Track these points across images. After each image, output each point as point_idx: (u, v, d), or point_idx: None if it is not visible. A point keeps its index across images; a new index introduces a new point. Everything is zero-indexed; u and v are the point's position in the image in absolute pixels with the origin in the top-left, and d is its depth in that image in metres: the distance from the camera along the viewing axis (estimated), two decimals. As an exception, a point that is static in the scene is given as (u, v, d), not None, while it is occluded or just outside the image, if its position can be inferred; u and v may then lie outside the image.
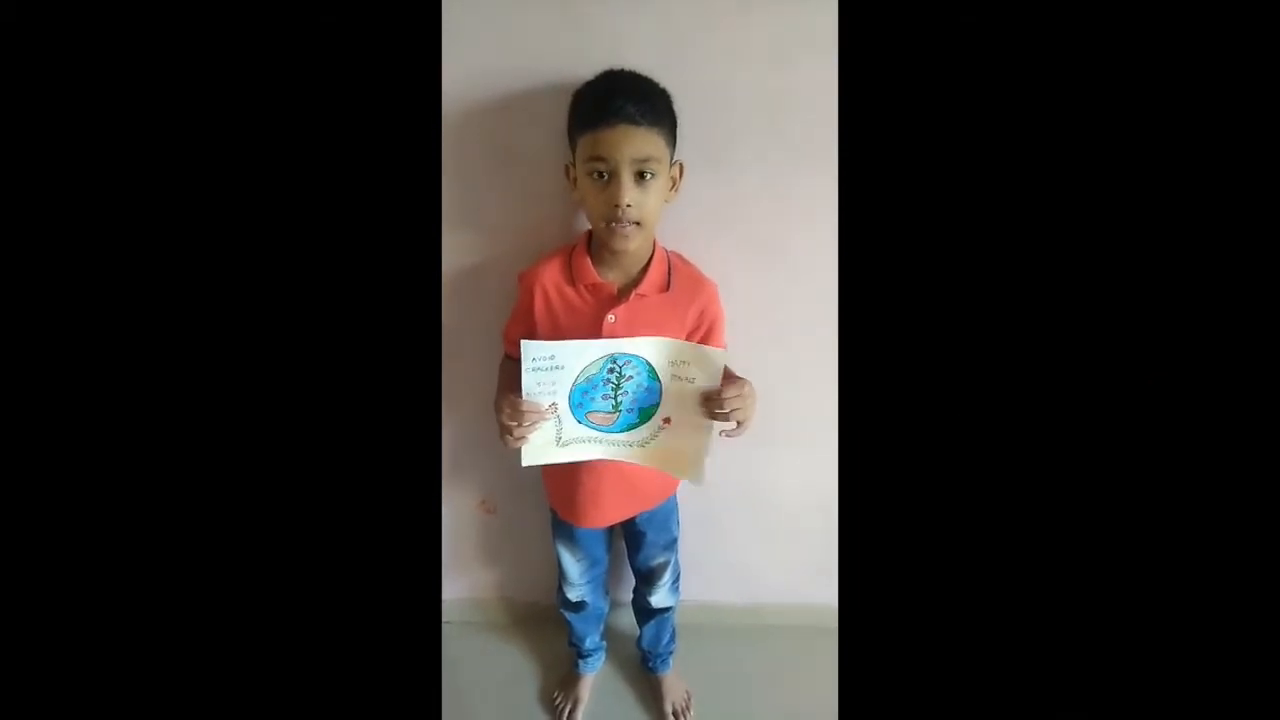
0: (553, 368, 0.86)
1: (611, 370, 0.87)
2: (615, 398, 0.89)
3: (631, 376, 0.88)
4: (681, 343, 0.89)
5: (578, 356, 0.86)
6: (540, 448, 0.92)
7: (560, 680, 1.31)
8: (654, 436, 0.92)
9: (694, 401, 0.88)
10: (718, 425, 0.89)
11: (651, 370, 0.87)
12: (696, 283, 0.94)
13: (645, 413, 0.91)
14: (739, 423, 0.89)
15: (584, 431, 0.92)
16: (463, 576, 1.39)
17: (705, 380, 0.87)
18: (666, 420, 0.91)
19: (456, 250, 1.03)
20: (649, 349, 0.86)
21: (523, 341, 0.85)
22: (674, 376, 0.88)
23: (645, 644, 1.28)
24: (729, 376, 0.88)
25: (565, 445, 0.92)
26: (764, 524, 1.30)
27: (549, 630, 1.35)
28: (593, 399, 0.89)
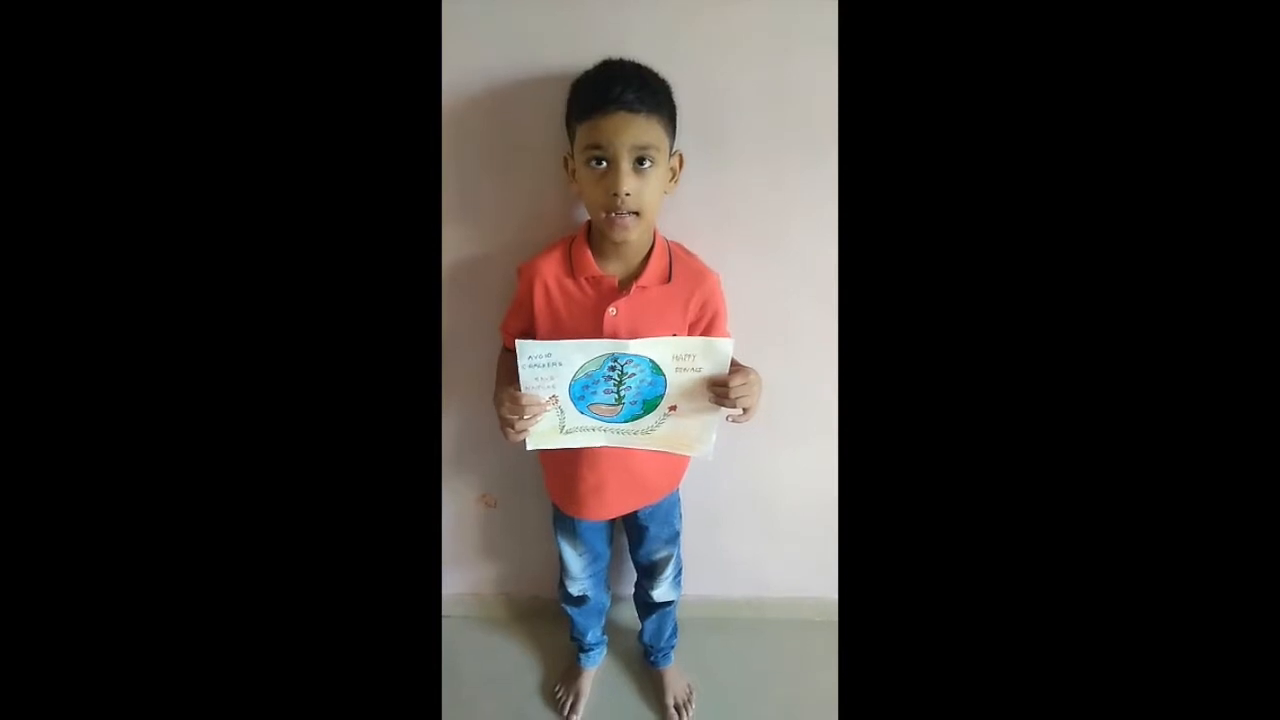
0: (550, 364, 0.85)
1: (613, 369, 0.86)
2: (618, 392, 0.89)
3: (634, 374, 0.87)
4: (685, 339, 0.89)
5: (575, 355, 0.85)
6: (544, 434, 0.92)
7: (562, 674, 1.31)
8: (660, 424, 0.92)
9: (700, 388, 0.88)
10: (725, 410, 0.89)
11: (655, 366, 0.87)
12: (699, 274, 0.93)
13: (650, 404, 0.90)
14: (745, 409, 0.89)
15: (587, 421, 0.91)
16: (463, 571, 1.38)
17: (712, 369, 0.87)
18: (672, 408, 0.91)
19: (456, 243, 1.02)
20: (650, 350, 0.86)
21: (518, 342, 0.84)
22: (679, 369, 0.87)
23: (647, 638, 1.28)
24: (734, 365, 0.88)
25: (569, 433, 0.92)
26: (766, 518, 1.30)
27: (550, 624, 1.35)
28: (594, 393, 0.89)
